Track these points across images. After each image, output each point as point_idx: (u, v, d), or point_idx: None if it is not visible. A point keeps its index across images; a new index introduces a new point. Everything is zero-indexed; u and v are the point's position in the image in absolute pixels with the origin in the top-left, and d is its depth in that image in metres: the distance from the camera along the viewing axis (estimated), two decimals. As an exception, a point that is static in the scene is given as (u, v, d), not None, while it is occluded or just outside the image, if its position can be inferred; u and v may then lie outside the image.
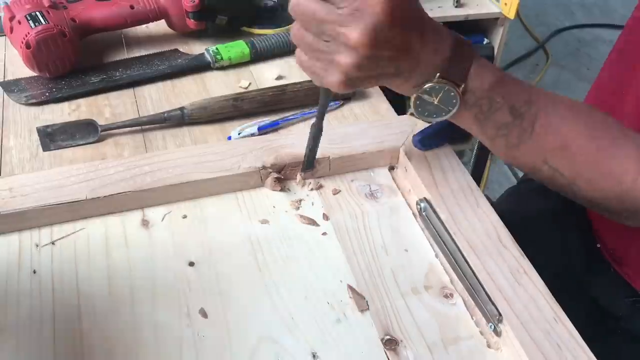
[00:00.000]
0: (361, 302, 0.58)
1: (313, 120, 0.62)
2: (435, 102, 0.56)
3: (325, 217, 0.65)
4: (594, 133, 0.57)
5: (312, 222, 0.65)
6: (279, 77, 0.87)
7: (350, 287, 0.59)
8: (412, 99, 0.57)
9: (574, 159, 0.57)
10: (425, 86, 0.55)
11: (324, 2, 0.50)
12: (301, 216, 0.65)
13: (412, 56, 0.54)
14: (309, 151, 0.66)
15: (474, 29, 1.76)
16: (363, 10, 0.49)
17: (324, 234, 0.64)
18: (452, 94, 0.55)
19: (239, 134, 0.75)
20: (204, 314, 0.56)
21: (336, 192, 0.69)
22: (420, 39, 0.53)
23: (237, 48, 0.88)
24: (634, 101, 0.73)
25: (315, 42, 0.52)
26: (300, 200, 0.66)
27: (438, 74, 0.54)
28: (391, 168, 0.72)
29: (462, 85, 0.55)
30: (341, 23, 0.50)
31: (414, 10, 0.52)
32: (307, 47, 0.53)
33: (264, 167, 0.67)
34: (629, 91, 0.75)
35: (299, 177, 0.69)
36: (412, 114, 0.58)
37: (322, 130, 0.64)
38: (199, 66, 0.87)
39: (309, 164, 0.68)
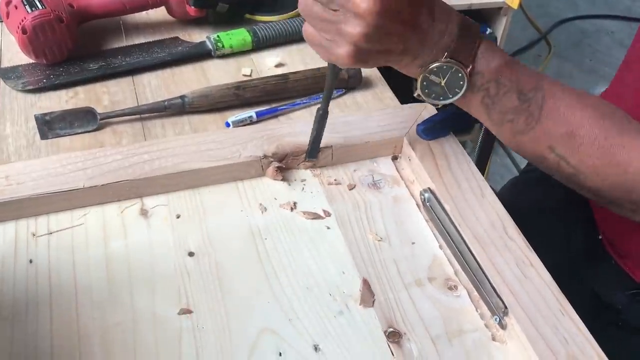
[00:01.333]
0: (368, 298, 0.57)
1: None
2: (442, 84, 0.56)
3: (327, 213, 0.64)
4: (601, 121, 0.56)
5: (316, 217, 0.64)
6: (279, 65, 0.86)
7: (365, 282, 0.58)
8: (419, 80, 0.56)
9: (581, 146, 0.56)
10: (433, 66, 0.55)
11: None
12: (304, 212, 0.64)
13: (420, 32, 0.53)
14: (314, 137, 0.65)
15: (477, 19, 1.74)
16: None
17: (328, 228, 0.63)
18: (460, 74, 0.55)
19: (236, 117, 0.74)
20: (187, 310, 0.54)
21: (338, 182, 0.67)
22: (429, 15, 0.53)
23: (238, 36, 0.86)
24: None
25: (323, 12, 0.52)
26: (295, 203, 0.65)
27: (446, 54, 0.54)
28: (394, 158, 0.71)
29: (470, 67, 0.55)
30: (336, 19, 0.50)
31: None
32: (315, 18, 0.53)
33: (265, 156, 0.66)
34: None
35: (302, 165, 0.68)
36: (418, 96, 0.58)
37: (327, 114, 0.63)
38: (200, 54, 0.86)
39: (313, 152, 0.66)
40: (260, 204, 0.64)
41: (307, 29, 0.55)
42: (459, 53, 0.54)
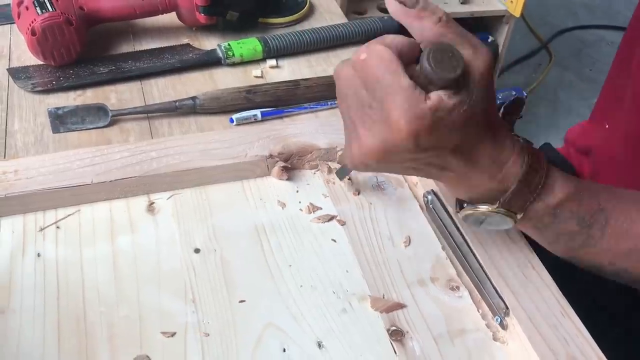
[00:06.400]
0: (380, 305, 0.57)
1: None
2: (488, 220, 0.54)
3: (342, 222, 0.64)
4: None
5: (330, 219, 0.64)
6: (274, 67, 0.87)
7: (398, 304, 0.57)
8: (461, 214, 0.54)
9: None
10: (478, 209, 0.52)
11: (361, 88, 0.46)
12: (318, 218, 0.64)
13: (451, 173, 0.50)
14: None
15: (479, 27, 1.76)
16: (385, 123, 0.45)
17: (333, 227, 0.64)
18: (507, 220, 0.52)
19: (240, 114, 0.76)
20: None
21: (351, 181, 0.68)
22: (464, 164, 0.49)
23: (249, 45, 0.87)
24: (630, 99, 0.73)
25: (343, 111, 0.51)
26: (317, 208, 0.65)
27: (498, 203, 0.50)
28: (398, 160, 0.72)
29: (520, 214, 0.51)
30: (363, 120, 0.47)
31: (460, 131, 0.46)
32: (341, 108, 0.51)
33: (270, 156, 0.67)
34: (627, 90, 0.75)
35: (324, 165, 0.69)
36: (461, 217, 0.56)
37: None
38: (210, 61, 0.86)
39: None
40: (266, 203, 0.65)
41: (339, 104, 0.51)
42: (512, 205, 0.50)
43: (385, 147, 0.46)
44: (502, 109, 0.57)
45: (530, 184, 0.50)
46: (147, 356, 0.51)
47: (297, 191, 0.67)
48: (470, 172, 0.49)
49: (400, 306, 0.57)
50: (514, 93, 1.70)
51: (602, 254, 0.54)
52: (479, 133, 0.47)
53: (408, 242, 0.63)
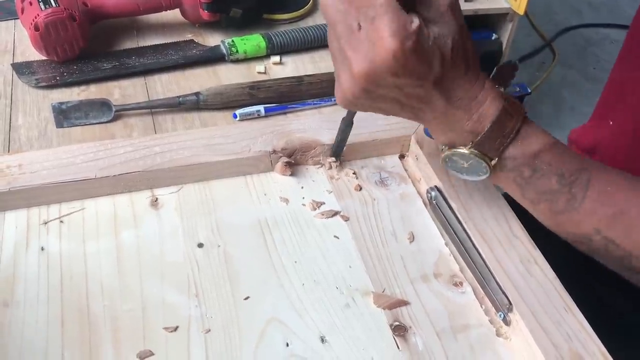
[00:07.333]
0: (383, 302, 0.57)
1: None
2: (466, 166, 0.55)
3: (345, 217, 0.64)
4: None
5: (334, 214, 0.64)
6: (277, 63, 0.87)
7: (401, 301, 0.57)
8: (441, 156, 0.56)
9: (632, 227, 0.52)
10: (455, 150, 0.54)
11: (351, 10, 0.47)
12: (322, 214, 0.64)
13: (432, 110, 0.51)
14: (337, 142, 0.66)
15: (483, 24, 1.75)
16: (374, 43, 0.46)
17: (336, 223, 0.64)
18: (483, 165, 0.53)
19: (244, 110, 0.76)
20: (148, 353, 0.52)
21: (356, 175, 0.68)
22: (444, 99, 0.50)
23: (253, 42, 0.87)
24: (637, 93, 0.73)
25: (332, 43, 0.50)
26: (320, 204, 0.65)
27: (471, 143, 0.52)
28: (401, 156, 0.72)
29: (495, 159, 0.53)
30: (352, 45, 0.47)
31: (443, 65, 0.48)
32: (330, 40, 0.51)
33: (274, 151, 0.67)
34: (630, 85, 0.75)
35: (327, 162, 0.69)
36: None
37: (352, 125, 0.64)
38: (213, 58, 0.86)
39: (337, 152, 0.68)
40: (269, 198, 0.65)
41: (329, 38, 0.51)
42: (485, 147, 0.52)
43: (373, 67, 0.46)
44: (494, 71, 0.58)
45: (504, 128, 0.51)
46: (150, 351, 0.52)
47: (303, 187, 0.67)
48: (450, 109, 0.51)
49: (404, 303, 0.57)
50: (517, 89, 1.69)
51: (586, 220, 0.53)
52: (458, 67, 0.49)
53: (411, 238, 0.63)
